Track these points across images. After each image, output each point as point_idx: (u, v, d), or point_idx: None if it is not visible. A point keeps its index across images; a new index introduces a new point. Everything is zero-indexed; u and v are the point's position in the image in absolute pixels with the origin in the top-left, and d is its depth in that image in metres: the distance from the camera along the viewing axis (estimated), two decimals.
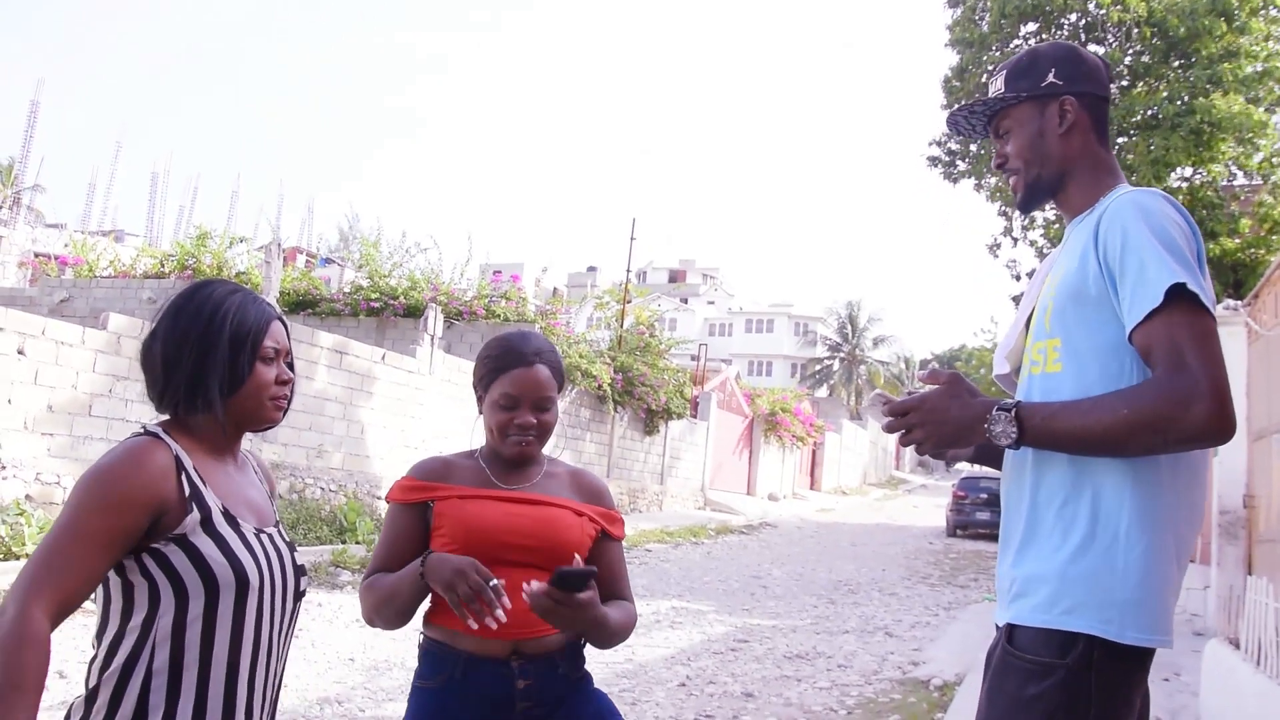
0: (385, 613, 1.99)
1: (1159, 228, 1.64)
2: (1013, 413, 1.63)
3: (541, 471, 2.10)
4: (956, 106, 1.95)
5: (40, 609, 1.44)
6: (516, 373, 2.00)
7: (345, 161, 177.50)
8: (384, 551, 2.03)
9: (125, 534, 1.51)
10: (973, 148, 15.90)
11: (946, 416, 1.69)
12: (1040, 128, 1.87)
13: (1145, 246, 1.62)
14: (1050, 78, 1.86)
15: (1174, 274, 1.57)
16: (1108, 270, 1.66)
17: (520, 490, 2.04)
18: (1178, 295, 1.56)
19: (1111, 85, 2.02)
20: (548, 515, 2.01)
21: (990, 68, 15.37)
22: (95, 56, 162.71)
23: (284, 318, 1.76)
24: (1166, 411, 1.51)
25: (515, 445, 2.01)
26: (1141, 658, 1.63)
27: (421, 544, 2.01)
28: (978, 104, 1.93)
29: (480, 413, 2.08)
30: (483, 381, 2.06)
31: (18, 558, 7.44)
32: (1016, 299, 11.58)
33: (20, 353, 8.61)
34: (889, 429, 1.77)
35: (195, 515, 1.57)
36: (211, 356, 1.63)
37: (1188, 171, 13.78)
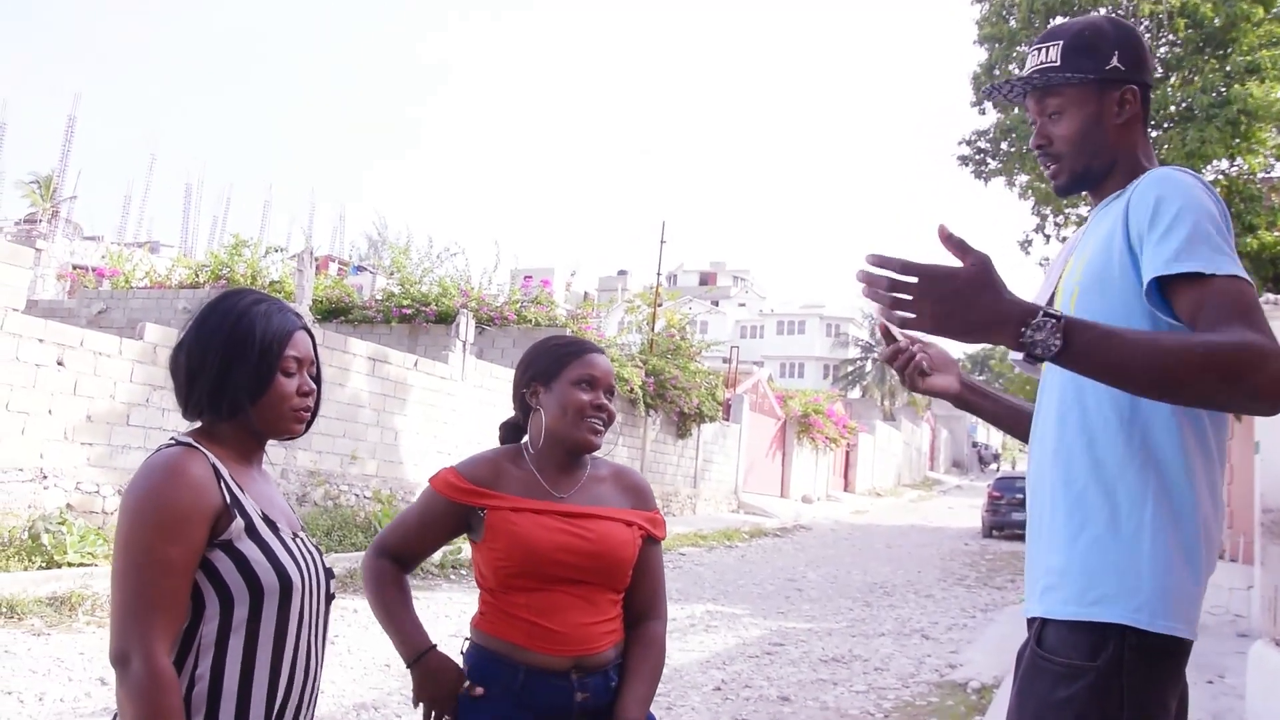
0: (373, 611, 2.07)
1: (1194, 199, 1.57)
2: (1060, 322, 1.41)
3: (586, 473, 2.08)
4: (1008, 80, 1.77)
5: (162, 649, 1.48)
6: (591, 356, 2.07)
7: (374, 170, 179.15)
8: (414, 533, 2.08)
9: (198, 550, 1.54)
10: (1003, 145, 15.73)
11: (973, 300, 1.41)
12: (1098, 114, 1.75)
13: (1188, 209, 1.55)
14: (1114, 61, 1.74)
15: (1224, 260, 1.50)
16: (1137, 238, 1.59)
17: (570, 501, 2.02)
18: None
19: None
20: (600, 533, 1.99)
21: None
22: (129, 71, 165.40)
23: (309, 327, 1.76)
24: (1246, 360, 1.39)
25: (592, 428, 2.03)
26: (1174, 654, 1.58)
27: (452, 538, 2.08)
28: (1034, 76, 1.78)
29: (535, 407, 2.07)
30: (552, 368, 2.06)
31: (59, 565, 7.54)
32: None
33: (60, 364, 8.75)
34: (889, 287, 1.42)
35: (240, 522, 1.59)
36: (235, 365, 1.63)
37: (1224, 164, 13.55)
